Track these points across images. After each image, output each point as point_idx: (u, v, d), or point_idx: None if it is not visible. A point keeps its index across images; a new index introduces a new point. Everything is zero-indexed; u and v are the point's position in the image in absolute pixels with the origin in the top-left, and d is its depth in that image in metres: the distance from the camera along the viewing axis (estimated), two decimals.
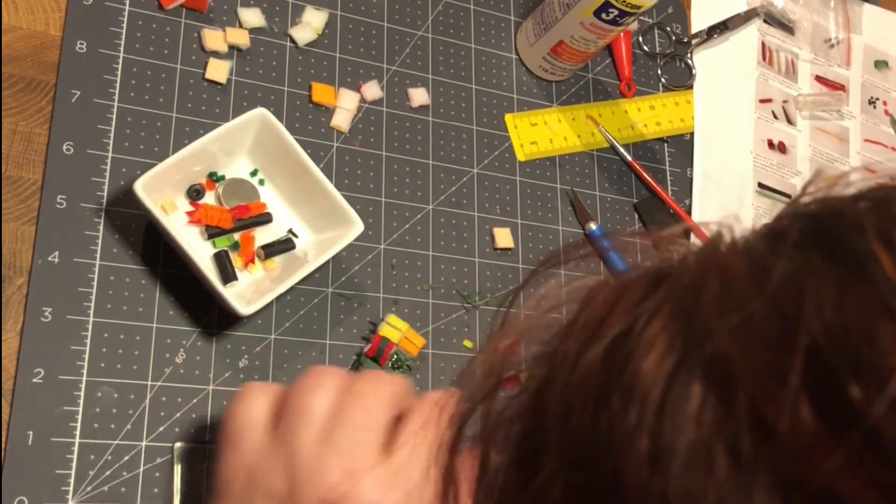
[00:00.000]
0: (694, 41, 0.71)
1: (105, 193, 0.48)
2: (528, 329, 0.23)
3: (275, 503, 0.36)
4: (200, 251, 0.48)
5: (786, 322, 0.16)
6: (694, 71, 0.70)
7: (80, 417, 0.44)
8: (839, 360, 0.15)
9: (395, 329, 0.51)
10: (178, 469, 0.45)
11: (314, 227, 0.51)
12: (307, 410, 0.37)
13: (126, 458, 0.44)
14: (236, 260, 0.48)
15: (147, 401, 0.46)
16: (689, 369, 0.17)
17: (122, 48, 0.51)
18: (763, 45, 0.74)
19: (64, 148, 0.48)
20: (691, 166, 0.67)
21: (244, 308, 0.44)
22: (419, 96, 0.58)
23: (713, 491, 0.15)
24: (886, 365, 0.15)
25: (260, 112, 0.48)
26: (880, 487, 0.14)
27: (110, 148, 0.49)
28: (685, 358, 0.17)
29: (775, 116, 0.72)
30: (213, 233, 0.48)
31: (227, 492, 0.37)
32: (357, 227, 0.49)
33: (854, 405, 0.15)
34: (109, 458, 0.44)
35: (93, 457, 0.43)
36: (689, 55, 0.70)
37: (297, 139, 0.49)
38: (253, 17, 0.55)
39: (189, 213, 0.48)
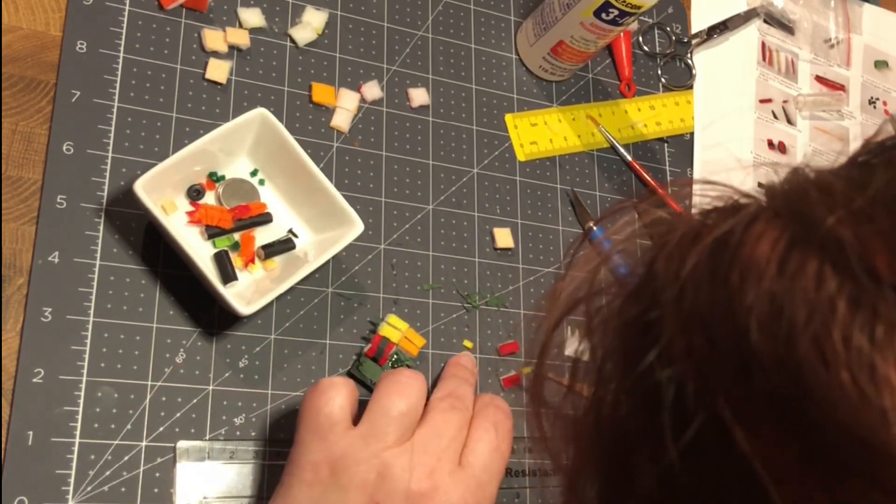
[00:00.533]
0: (694, 41, 0.71)
1: (105, 193, 0.48)
2: (608, 256, 0.26)
3: (369, 489, 0.40)
4: (200, 251, 0.48)
5: (892, 209, 0.19)
6: (694, 71, 0.70)
7: (80, 417, 0.44)
8: None
9: (395, 329, 0.51)
10: (178, 469, 0.45)
11: (314, 227, 0.51)
12: (396, 412, 0.42)
13: (126, 458, 0.44)
14: (236, 260, 0.48)
15: (147, 401, 0.46)
16: (802, 248, 0.20)
17: (122, 48, 0.51)
18: (763, 45, 0.74)
19: (64, 148, 0.48)
20: (691, 166, 0.67)
21: (244, 308, 0.44)
22: (419, 96, 0.58)
23: (838, 332, 0.18)
24: None
25: (260, 112, 0.48)
26: None
27: (110, 148, 0.49)
28: (796, 241, 0.20)
29: (775, 116, 0.72)
30: (213, 233, 0.48)
31: (313, 480, 0.40)
32: (357, 227, 0.49)
33: None
34: (109, 458, 0.44)
35: (93, 457, 0.43)
36: (689, 55, 0.70)
37: (297, 139, 0.49)
38: (253, 17, 0.55)
39: (189, 213, 0.48)
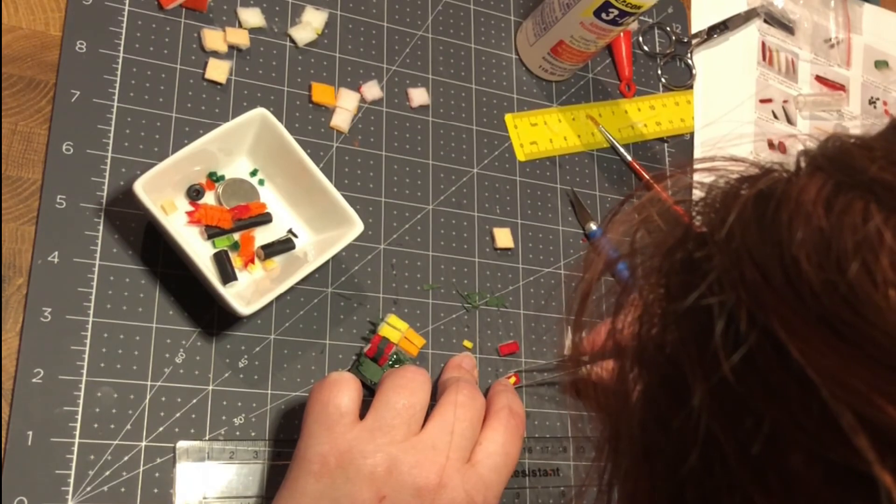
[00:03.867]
0: (694, 41, 0.71)
1: (105, 193, 0.48)
2: (643, 220, 0.27)
3: (377, 482, 0.40)
4: (200, 251, 0.48)
5: None
6: (694, 71, 0.70)
7: (79, 417, 0.44)
8: None
9: (395, 329, 0.51)
10: (178, 469, 0.45)
11: (314, 227, 0.51)
12: (402, 406, 0.42)
13: (126, 458, 0.44)
14: (236, 260, 0.48)
15: (147, 401, 0.45)
16: (847, 192, 0.21)
17: (121, 48, 0.51)
18: (763, 45, 0.74)
19: (64, 148, 0.48)
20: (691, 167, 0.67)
21: (244, 308, 0.44)
22: (419, 96, 0.58)
23: (885, 257, 0.19)
24: None
25: (260, 112, 0.48)
26: None
27: (110, 148, 0.49)
28: (841, 187, 0.21)
29: (775, 116, 0.72)
30: (212, 233, 0.48)
31: (320, 471, 0.41)
32: (357, 227, 0.48)
33: None
34: (109, 458, 0.44)
35: (92, 457, 0.43)
36: (689, 55, 0.70)
37: (296, 139, 0.49)
38: (253, 17, 0.55)
39: (189, 213, 0.48)
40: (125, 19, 0.51)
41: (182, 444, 0.45)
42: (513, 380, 0.54)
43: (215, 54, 0.53)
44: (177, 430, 0.46)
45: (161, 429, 0.45)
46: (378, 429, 0.42)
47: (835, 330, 0.20)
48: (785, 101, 0.73)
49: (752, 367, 0.21)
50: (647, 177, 0.64)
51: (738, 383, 0.21)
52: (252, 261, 0.49)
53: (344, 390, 0.43)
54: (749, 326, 0.21)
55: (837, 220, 0.21)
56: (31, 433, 0.42)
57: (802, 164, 0.24)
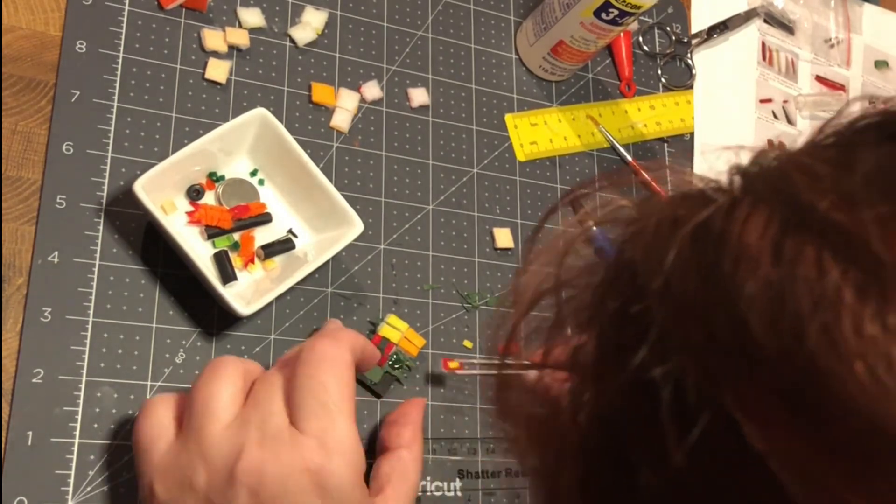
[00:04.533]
0: (694, 41, 0.71)
1: (105, 193, 0.48)
2: (569, 244, 0.25)
3: (200, 496, 0.36)
4: (200, 251, 0.48)
5: (886, 192, 0.18)
6: (694, 71, 0.70)
7: (79, 417, 0.44)
8: None
9: (394, 329, 0.51)
10: None
11: (314, 227, 0.51)
12: (211, 401, 0.38)
13: (126, 458, 0.44)
14: (236, 260, 0.48)
15: None
16: (796, 235, 0.19)
17: (121, 48, 0.51)
18: (763, 44, 0.74)
19: (64, 148, 0.48)
20: (691, 166, 0.67)
21: (244, 308, 0.44)
22: (419, 96, 0.58)
23: (848, 322, 0.17)
24: None
25: (260, 112, 0.48)
26: None
27: (110, 148, 0.49)
28: (788, 228, 0.19)
29: (775, 116, 0.72)
30: (212, 233, 0.48)
31: (151, 502, 0.37)
32: (357, 227, 0.48)
33: None
34: (109, 458, 0.44)
35: (92, 457, 0.43)
36: (689, 55, 0.70)
37: (296, 139, 0.49)
38: (253, 17, 0.55)
39: (189, 214, 0.48)
40: (125, 19, 0.51)
41: None
42: (455, 364, 0.52)
43: (215, 54, 0.53)
44: None
45: None
46: (191, 434, 0.38)
47: (797, 409, 0.17)
48: (785, 102, 0.73)
49: (708, 451, 0.19)
50: (647, 177, 0.64)
51: (691, 469, 0.19)
52: (252, 261, 0.49)
53: (151, 414, 0.39)
54: (699, 401, 0.19)
55: (788, 271, 0.18)
56: (31, 433, 0.42)
57: (736, 186, 0.21)
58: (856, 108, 0.22)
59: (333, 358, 0.38)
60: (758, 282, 0.18)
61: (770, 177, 0.21)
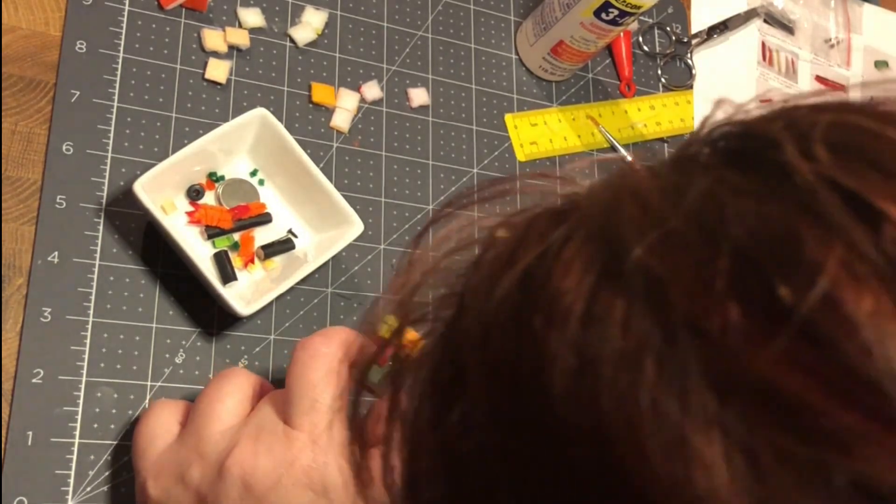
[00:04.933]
0: (694, 41, 0.71)
1: (105, 193, 0.48)
2: (430, 272, 0.22)
3: (193, 491, 0.37)
4: (200, 251, 0.48)
5: (706, 232, 0.16)
6: (694, 71, 0.70)
7: (79, 418, 0.44)
8: (765, 260, 0.15)
9: None
10: None
11: (314, 227, 0.51)
12: (215, 404, 0.39)
13: (126, 458, 0.44)
14: (236, 260, 0.48)
15: (147, 401, 0.45)
16: (610, 284, 0.16)
17: (121, 48, 0.51)
18: (763, 45, 0.74)
19: (63, 148, 0.48)
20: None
21: (244, 308, 0.44)
22: (419, 96, 0.58)
23: (645, 395, 0.15)
24: (813, 260, 0.15)
25: (260, 112, 0.48)
26: (818, 377, 0.14)
27: (110, 148, 0.49)
28: (605, 274, 0.17)
29: None
30: (212, 233, 0.48)
31: (144, 502, 0.38)
32: (357, 227, 0.48)
33: (784, 302, 0.15)
34: (109, 458, 0.44)
35: (92, 457, 0.43)
36: (689, 55, 0.70)
37: (296, 139, 0.49)
38: (253, 17, 0.55)
39: (189, 214, 0.48)
40: (125, 19, 0.51)
41: None
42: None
43: (215, 54, 0.53)
44: None
45: None
46: (192, 433, 0.38)
47: (602, 497, 0.16)
48: (785, 102, 0.73)
49: None
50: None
51: None
52: (252, 261, 0.49)
53: (155, 416, 0.40)
54: (509, 488, 0.17)
55: (596, 331, 0.16)
56: (31, 433, 0.42)
57: (576, 217, 0.19)
58: (720, 114, 0.20)
59: (325, 355, 0.38)
60: (563, 342, 0.16)
61: (606, 204, 0.18)
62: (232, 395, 0.39)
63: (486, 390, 0.18)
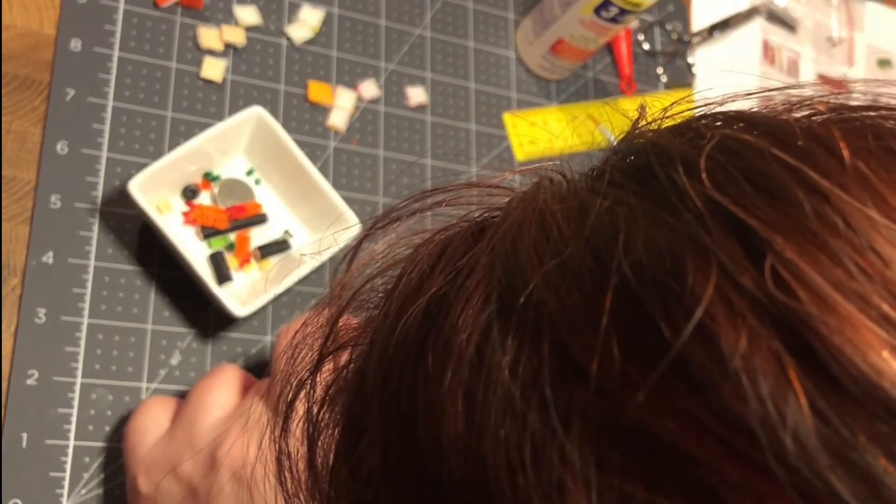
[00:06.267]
0: (695, 40, 0.70)
1: (100, 193, 0.47)
2: (351, 298, 0.21)
3: (184, 483, 0.37)
4: (196, 252, 0.47)
5: (599, 262, 0.15)
6: (694, 70, 0.70)
7: (74, 419, 0.43)
8: (647, 295, 0.14)
9: None
10: None
11: (311, 227, 0.51)
12: (207, 397, 0.39)
13: (120, 460, 0.44)
14: (232, 261, 0.48)
15: None
16: (503, 320, 0.15)
17: (116, 46, 0.50)
18: (765, 43, 0.73)
19: (58, 147, 0.47)
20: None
21: (240, 309, 0.44)
22: (417, 95, 0.58)
23: (527, 443, 0.14)
24: (691, 294, 0.14)
25: (256, 111, 0.48)
26: (693, 421, 0.13)
27: (105, 147, 0.48)
28: (501, 309, 0.15)
29: None
30: (208, 233, 0.48)
31: (134, 498, 0.38)
32: (354, 227, 0.48)
33: (662, 338, 0.14)
34: (104, 460, 0.43)
35: (87, 459, 0.43)
36: (690, 54, 0.70)
37: (293, 138, 0.48)
38: (249, 14, 0.54)
39: (184, 214, 0.48)
40: (120, 17, 0.51)
41: None
42: None
43: (211, 53, 0.53)
44: None
45: None
46: (183, 427, 0.38)
47: None
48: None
49: None
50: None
51: None
52: (248, 261, 0.49)
53: (147, 412, 0.40)
54: None
55: (486, 374, 0.15)
56: (25, 435, 0.42)
57: (485, 231, 0.17)
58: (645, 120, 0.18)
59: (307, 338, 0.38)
60: (453, 385, 0.15)
61: (511, 228, 0.17)
62: (222, 388, 0.39)
63: (382, 431, 0.17)
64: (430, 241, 0.19)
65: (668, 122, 0.18)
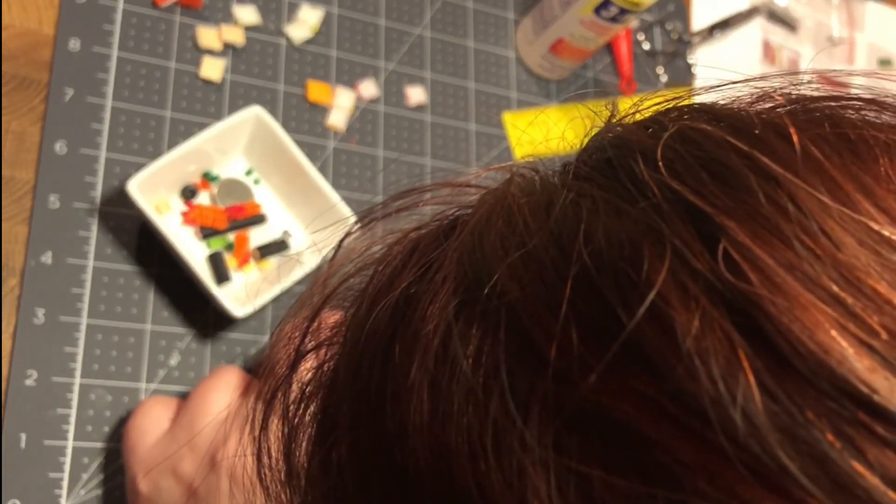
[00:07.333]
0: (695, 39, 0.70)
1: (98, 193, 0.47)
2: (328, 297, 0.21)
3: (185, 483, 0.37)
4: (195, 252, 0.47)
5: (561, 252, 0.15)
6: (694, 70, 0.69)
7: (73, 420, 0.43)
8: (605, 282, 0.15)
9: None
10: None
11: (310, 227, 0.50)
12: (208, 397, 0.39)
13: (119, 461, 0.44)
14: (231, 261, 0.48)
15: None
16: (469, 311, 0.16)
17: (115, 46, 0.50)
18: (765, 43, 0.73)
19: (57, 147, 0.47)
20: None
21: (239, 309, 0.44)
22: (417, 95, 0.58)
23: (488, 430, 0.14)
24: (646, 280, 0.14)
25: (255, 111, 0.47)
26: (649, 403, 0.14)
27: (104, 147, 0.48)
28: (466, 300, 0.16)
29: None
30: (207, 233, 0.48)
31: (134, 498, 0.38)
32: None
33: (619, 323, 0.14)
34: (103, 461, 0.43)
35: (86, 460, 0.43)
36: (690, 53, 0.70)
37: (292, 138, 0.48)
38: (248, 14, 0.54)
39: (183, 214, 0.48)
40: (119, 17, 0.51)
41: None
42: None
43: (210, 52, 0.52)
44: None
45: None
46: (184, 427, 0.39)
47: None
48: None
49: None
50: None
51: None
52: (247, 261, 0.49)
53: (147, 412, 0.40)
54: None
55: (450, 366, 0.15)
56: (24, 436, 0.42)
57: (455, 228, 0.18)
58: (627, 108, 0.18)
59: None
60: (419, 377, 0.16)
61: (478, 222, 0.17)
62: (223, 389, 0.39)
63: (351, 425, 0.17)
64: (402, 240, 0.20)
65: (639, 117, 0.19)
